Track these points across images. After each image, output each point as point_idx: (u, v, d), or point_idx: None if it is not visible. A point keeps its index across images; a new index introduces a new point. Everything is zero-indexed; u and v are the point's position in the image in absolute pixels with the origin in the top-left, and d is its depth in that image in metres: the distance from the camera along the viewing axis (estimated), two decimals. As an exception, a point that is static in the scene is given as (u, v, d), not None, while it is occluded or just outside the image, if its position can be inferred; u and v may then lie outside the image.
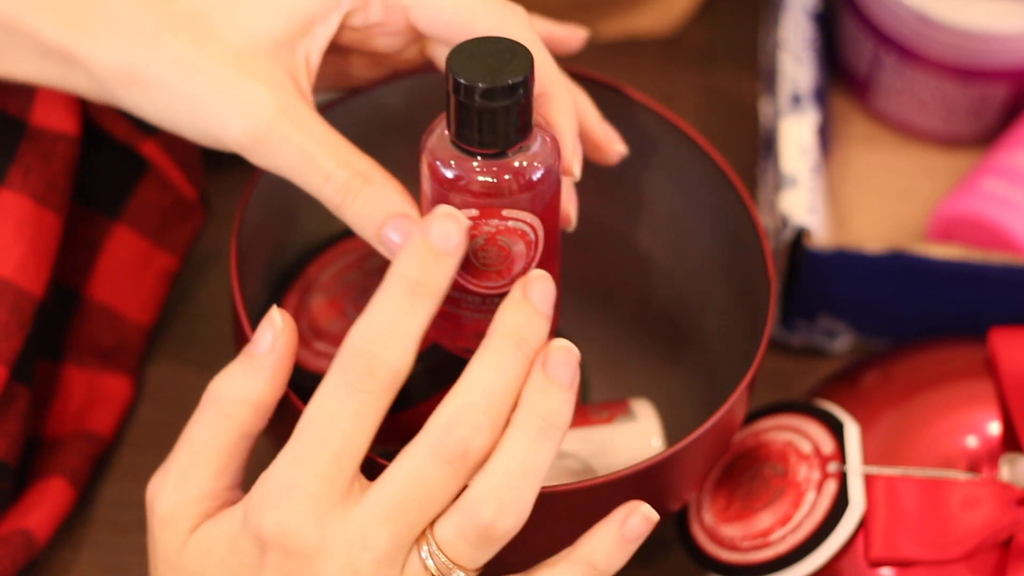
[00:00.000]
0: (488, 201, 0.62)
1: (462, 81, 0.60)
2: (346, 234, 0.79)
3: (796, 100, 0.86)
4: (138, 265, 0.81)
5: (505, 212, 0.63)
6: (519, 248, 0.64)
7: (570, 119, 0.67)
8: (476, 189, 0.62)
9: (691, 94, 0.95)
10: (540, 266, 0.65)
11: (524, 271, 0.64)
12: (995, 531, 0.70)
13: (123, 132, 0.78)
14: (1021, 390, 0.73)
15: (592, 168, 0.80)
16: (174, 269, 0.83)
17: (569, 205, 0.70)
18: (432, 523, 0.61)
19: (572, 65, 0.94)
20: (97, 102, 0.68)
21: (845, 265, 0.81)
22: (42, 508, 0.74)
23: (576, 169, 0.67)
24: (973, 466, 0.72)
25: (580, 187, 0.81)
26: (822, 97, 0.90)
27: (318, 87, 0.72)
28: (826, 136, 0.90)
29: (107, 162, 0.79)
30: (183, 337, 0.84)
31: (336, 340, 0.75)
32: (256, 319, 0.77)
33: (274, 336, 0.64)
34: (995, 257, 0.81)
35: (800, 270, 0.82)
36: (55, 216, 0.74)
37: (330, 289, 0.77)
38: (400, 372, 0.61)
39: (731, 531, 0.73)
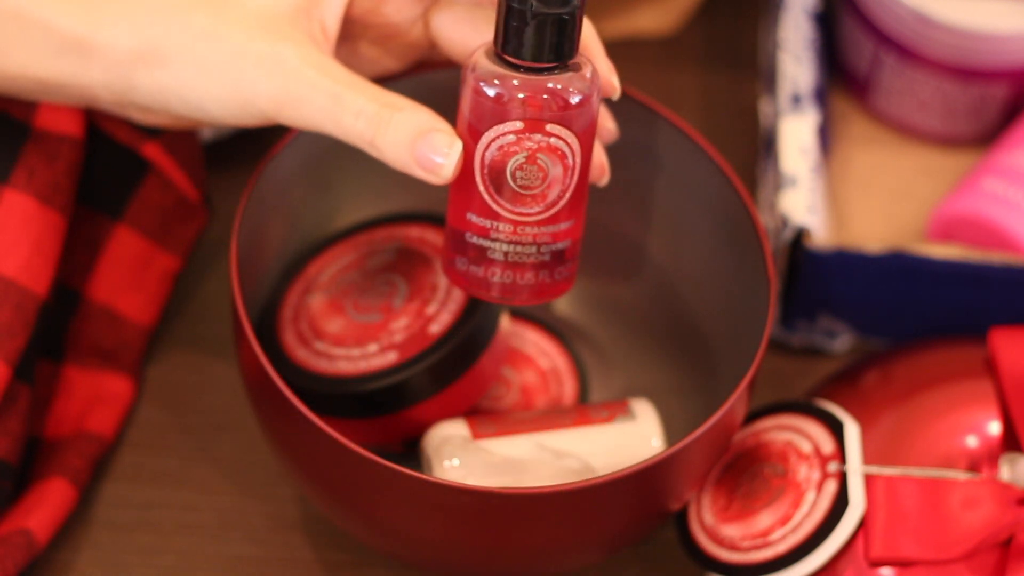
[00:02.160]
0: (533, 113, 0.63)
1: None
2: (346, 234, 0.79)
3: (796, 100, 0.86)
4: (139, 266, 0.81)
5: (549, 127, 0.64)
6: (556, 171, 0.64)
7: (598, 43, 0.69)
8: (521, 102, 0.63)
9: (691, 94, 0.95)
10: (572, 201, 0.66)
11: (557, 200, 0.65)
12: (995, 531, 0.70)
13: (125, 134, 0.78)
14: (1021, 390, 0.73)
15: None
16: (176, 270, 0.83)
17: (602, 156, 0.71)
18: None
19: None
20: (111, 99, 0.69)
21: (845, 265, 0.81)
22: (43, 508, 0.74)
23: (617, 84, 0.68)
24: (973, 466, 0.72)
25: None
26: (822, 97, 0.90)
27: None
28: (826, 136, 0.90)
29: (109, 163, 0.79)
30: (184, 338, 0.84)
31: (336, 340, 0.75)
32: (256, 319, 0.77)
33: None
34: (995, 257, 0.81)
35: (800, 270, 0.82)
36: (59, 217, 0.74)
37: (330, 289, 0.77)
38: None
39: (731, 531, 0.73)
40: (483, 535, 0.68)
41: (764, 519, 0.72)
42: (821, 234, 0.83)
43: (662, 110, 0.76)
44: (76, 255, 0.79)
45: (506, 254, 0.66)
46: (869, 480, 0.72)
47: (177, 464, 0.80)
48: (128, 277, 0.81)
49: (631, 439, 0.73)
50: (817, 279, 0.82)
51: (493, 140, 0.65)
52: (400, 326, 0.74)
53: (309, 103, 0.66)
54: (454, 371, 0.74)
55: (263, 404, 0.71)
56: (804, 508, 0.72)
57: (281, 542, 0.78)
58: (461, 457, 0.71)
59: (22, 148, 0.74)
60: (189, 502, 0.79)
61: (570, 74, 0.64)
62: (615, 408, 0.74)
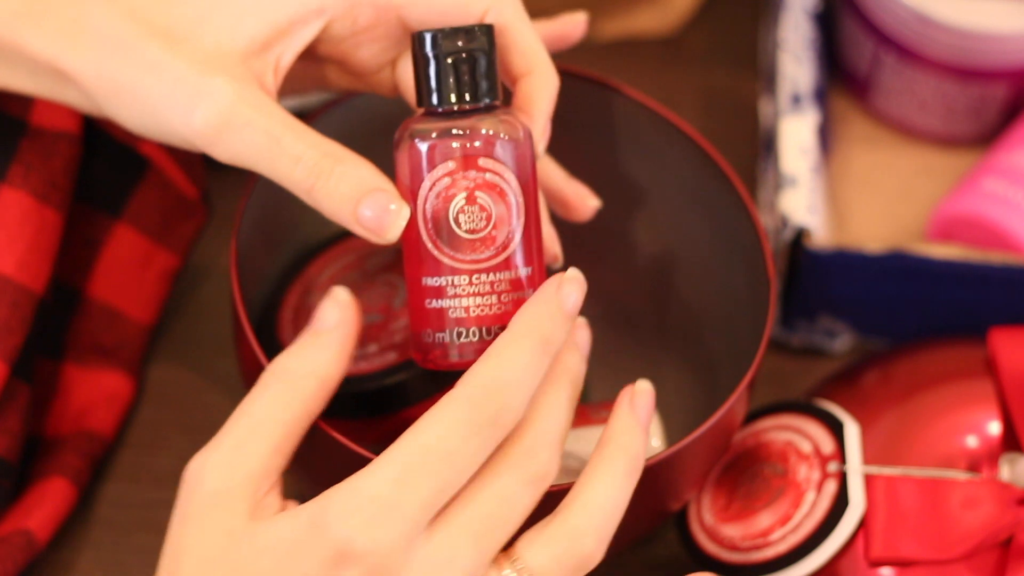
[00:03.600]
0: (464, 151, 0.63)
1: (427, 33, 0.63)
2: (346, 234, 0.79)
3: (796, 100, 0.86)
4: (139, 264, 0.81)
5: (482, 162, 0.63)
6: (500, 209, 0.63)
7: (549, 99, 0.67)
8: (450, 144, 0.63)
9: (691, 94, 0.95)
10: (525, 246, 0.64)
11: (508, 242, 0.64)
12: (995, 531, 0.70)
13: (124, 132, 0.78)
14: (1021, 390, 0.73)
15: (592, 168, 0.80)
16: (175, 268, 0.83)
17: (553, 244, 0.70)
18: (512, 545, 0.62)
19: (573, 65, 0.94)
20: (97, 115, 0.68)
21: (845, 265, 0.81)
22: (43, 508, 0.74)
23: (541, 148, 0.67)
24: (973, 466, 0.72)
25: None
26: (822, 97, 0.90)
27: (293, 90, 0.72)
28: (826, 136, 0.90)
29: (108, 161, 0.79)
30: (184, 337, 0.84)
31: None
32: (256, 319, 0.77)
33: (340, 312, 0.63)
34: (995, 257, 0.81)
35: (800, 270, 0.82)
36: (56, 214, 0.74)
37: (330, 289, 0.77)
38: (512, 428, 0.61)
39: (731, 531, 0.73)
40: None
41: (764, 519, 0.72)
42: (821, 234, 0.83)
43: (662, 110, 0.76)
44: (75, 253, 0.79)
45: (467, 308, 0.64)
46: (869, 480, 0.72)
47: (177, 464, 0.80)
48: (128, 275, 0.81)
49: None
50: (817, 279, 0.82)
51: (431, 188, 0.63)
52: (400, 326, 0.74)
53: (244, 140, 0.63)
54: (454, 372, 0.74)
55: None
56: (804, 508, 0.72)
57: (281, 542, 0.78)
58: None
59: (18, 145, 0.73)
60: (189, 502, 0.79)
61: (499, 117, 0.64)
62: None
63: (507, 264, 0.64)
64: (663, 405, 0.79)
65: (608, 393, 0.81)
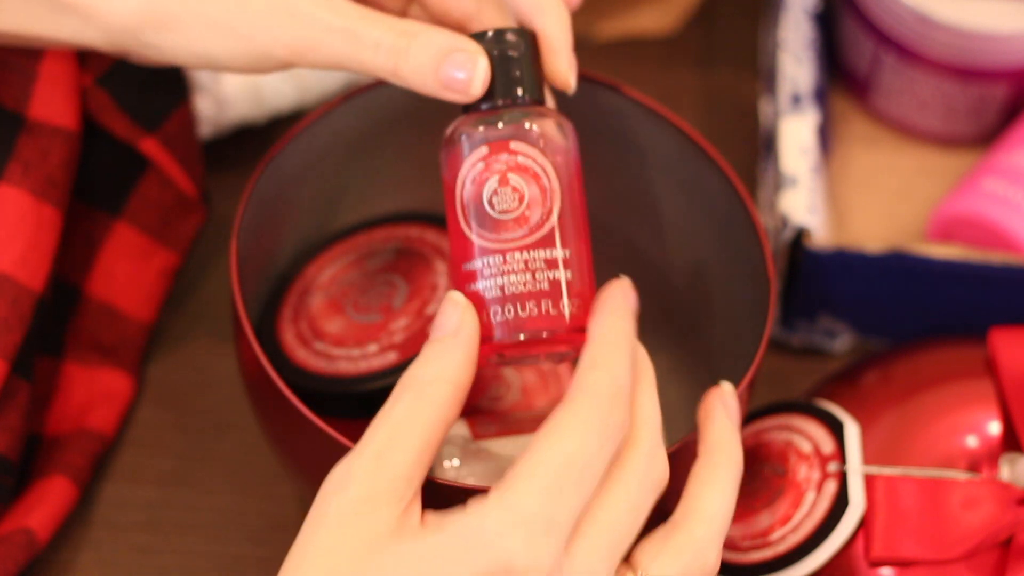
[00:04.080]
0: (495, 135, 0.64)
1: (471, 35, 0.65)
2: (345, 234, 0.79)
3: (796, 100, 0.86)
4: (139, 262, 0.81)
5: (513, 145, 0.64)
6: (533, 191, 0.64)
7: (563, 31, 0.67)
8: (484, 132, 0.64)
9: (691, 94, 0.95)
10: (561, 228, 0.64)
11: (541, 223, 0.64)
12: (995, 531, 0.70)
13: (123, 129, 0.78)
14: (1021, 390, 0.73)
15: (591, 169, 0.80)
16: (175, 266, 0.83)
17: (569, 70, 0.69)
18: (629, 556, 0.61)
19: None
20: (115, 52, 0.69)
21: (845, 265, 0.81)
22: (44, 507, 0.74)
23: (573, 80, 0.67)
24: (973, 466, 0.72)
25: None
26: (822, 97, 0.90)
27: None
28: (826, 136, 0.90)
29: (107, 159, 0.79)
30: (184, 337, 0.84)
31: (336, 340, 0.75)
32: (256, 319, 0.77)
33: (460, 314, 0.63)
34: (995, 257, 0.81)
35: (800, 270, 0.82)
36: (54, 211, 0.74)
37: (330, 289, 0.77)
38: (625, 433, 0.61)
39: (732, 531, 0.73)
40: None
41: (764, 519, 0.72)
42: (821, 234, 0.83)
43: (662, 110, 0.76)
44: (75, 251, 0.79)
45: (501, 287, 0.64)
46: (869, 480, 0.72)
47: (177, 464, 0.80)
48: (127, 273, 0.81)
49: None
50: (817, 279, 0.82)
51: (466, 176, 0.64)
52: (400, 326, 0.74)
53: (326, 45, 0.65)
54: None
55: (263, 404, 0.71)
56: (804, 508, 0.72)
57: (281, 542, 0.78)
58: (462, 457, 0.71)
59: (16, 142, 0.73)
60: (189, 502, 0.79)
61: (538, 112, 0.65)
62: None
63: (542, 243, 0.64)
64: (663, 404, 0.79)
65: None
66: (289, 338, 0.76)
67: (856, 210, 0.89)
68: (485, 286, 0.64)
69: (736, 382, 0.71)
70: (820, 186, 0.86)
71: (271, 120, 0.89)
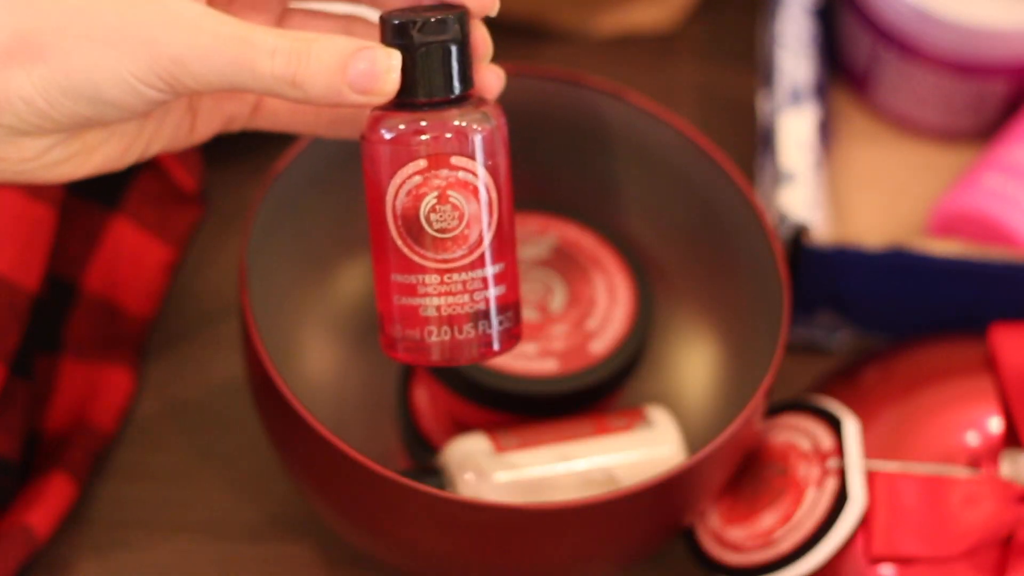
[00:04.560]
0: (435, 148, 0.61)
1: (395, 20, 0.60)
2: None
3: (795, 95, 0.86)
4: (137, 257, 0.81)
5: (454, 160, 0.61)
6: (472, 208, 0.62)
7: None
8: (420, 139, 0.61)
9: (690, 90, 0.94)
10: (497, 243, 0.63)
11: (480, 241, 0.62)
12: (996, 528, 0.70)
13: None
14: (1022, 386, 0.73)
15: (590, 169, 0.80)
16: (173, 262, 0.83)
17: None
18: None
19: (571, 65, 0.93)
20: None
21: (845, 261, 0.81)
22: (44, 504, 0.74)
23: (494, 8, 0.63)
24: (974, 462, 0.72)
25: (580, 188, 0.80)
26: (823, 92, 0.89)
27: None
28: (827, 132, 0.90)
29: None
30: (183, 335, 0.84)
31: None
32: (259, 321, 0.76)
33: None
34: (995, 253, 0.81)
35: (799, 266, 0.82)
36: (49, 209, 0.74)
37: None
38: None
39: (736, 533, 0.73)
40: (505, 551, 0.68)
41: (767, 519, 0.72)
42: (821, 230, 0.83)
43: (663, 113, 0.76)
44: (73, 246, 0.79)
45: (438, 308, 0.62)
46: (870, 477, 0.72)
47: (176, 462, 0.80)
48: (125, 268, 0.81)
49: (651, 447, 0.73)
50: (817, 275, 0.82)
51: (400, 186, 0.62)
52: (559, 333, 0.75)
53: (216, 54, 0.59)
54: (604, 392, 0.74)
55: (266, 406, 0.71)
56: (805, 506, 0.72)
57: (280, 541, 0.78)
58: (485, 471, 0.71)
59: None
60: (188, 500, 0.79)
61: (469, 108, 0.62)
62: (632, 416, 0.74)
63: (479, 263, 0.63)
64: (678, 414, 0.79)
65: (622, 401, 0.80)
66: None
67: (856, 206, 0.89)
68: (420, 304, 0.63)
69: (746, 385, 0.71)
70: (821, 182, 0.86)
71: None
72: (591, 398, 0.74)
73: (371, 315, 0.81)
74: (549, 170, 0.80)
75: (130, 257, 0.81)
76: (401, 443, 0.79)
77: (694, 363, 0.80)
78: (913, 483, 0.71)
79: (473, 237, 0.62)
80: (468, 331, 0.63)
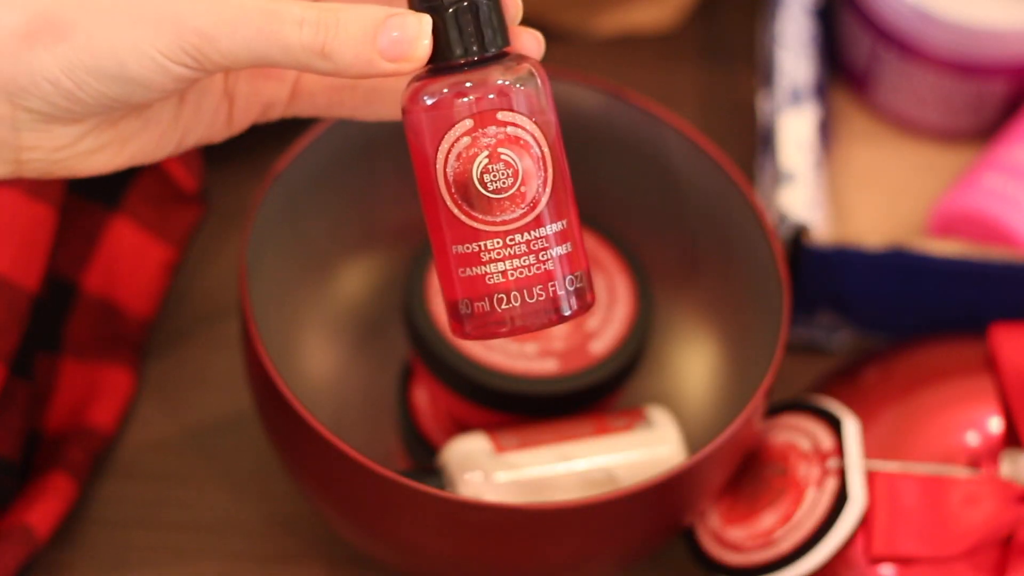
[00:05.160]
0: (480, 106, 0.59)
1: None
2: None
3: (795, 95, 0.86)
4: (137, 257, 0.81)
5: (501, 115, 0.59)
6: (527, 164, 0.60)
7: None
8: (463, 98, 0.59)
9: (690, 90, 0.94)
10: (555, 199, 0.61)
11: (538, 198, 0.60)
12: (996, 528, 0.70)
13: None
14: (1022, 386, 0.73)
15: (590, 169, 0.80)
16: (173, 261, 0.83)
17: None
18: None
19: (571, 64, 0.93)
20: None
21: (845, 261, 0.81)
22: (44, 503, 0.74)
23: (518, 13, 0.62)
24: (974, 462, 0.72)
25: (580, 188, 0.80)
26: (823, 93, 0.89)
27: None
28: (827, 132, 0.90)
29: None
30: (183, 335, 0.84)
31: None
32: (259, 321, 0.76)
33: None
34: (995, 253, 0.81)
35: (799, 266, 0.82)
36: (49, 209, 0.74)
37: None
38: None
39: (736, 533, 0.73)
40: (505, 551, 0.68)
41: (767, 519, 0.72)
42: (821, 230, 0.83)
43: (664, 114, 0.76)
44: (73, 246, 0.79)
45: (504, 272, 0.60)
46: (870, 477, 0.72)
47: (176, 462, 0.80)
48: (125, 268, 0.81)
49: (651, 447, 0.73)
50: (817, 275, 0.82)
51: (449, 151, 0.60)
52: (560, 333, 0.74)
53: (243, 26, 0.57)
54: (604, 392, 0.74)
55: (267, 406, 0.71)
56: (805, 506, 0.72)
57: (280, 540, 0.78)
58: (485, 471, 0.71)
59: None
60: (188, 500, 0.78)
61: (510, 64, 0.60)
62: (632, 416, 0.74)
63: (541, 220, 0.60)
64: (678, 414, 0.79)
65: (622, 401, 0.80)
66: (444, 312, 0.74)
67: (856, 206, 0.89)
68: (487, 272, 0.60)
69: (746, 385, 0.71)
70: (821, 182, 0.86)
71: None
72: (591, 398, 0.74)
73: (371, 315, 0.81)
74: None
75: (130, 257, 0.81)
76: (401, 443, 0.79)
77: (694, 363, 0.80)
78: (913, 483, 0.71)
79: (531, 194, 0.60)
80: (538, 294, 0.61)
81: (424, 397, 0.78)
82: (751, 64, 0.96)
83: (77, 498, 0.77)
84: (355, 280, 0.80)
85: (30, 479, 0.76)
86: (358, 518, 0.70)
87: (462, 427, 0.76)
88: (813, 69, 0.88)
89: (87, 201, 0.80)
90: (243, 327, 0.71)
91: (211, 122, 0.64)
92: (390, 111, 0.65)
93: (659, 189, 0.79)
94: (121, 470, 0.79)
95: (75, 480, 0.76)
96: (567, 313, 0.61)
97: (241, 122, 0.65)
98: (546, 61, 0.90)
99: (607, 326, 0.75)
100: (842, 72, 0.94)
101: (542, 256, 0.60)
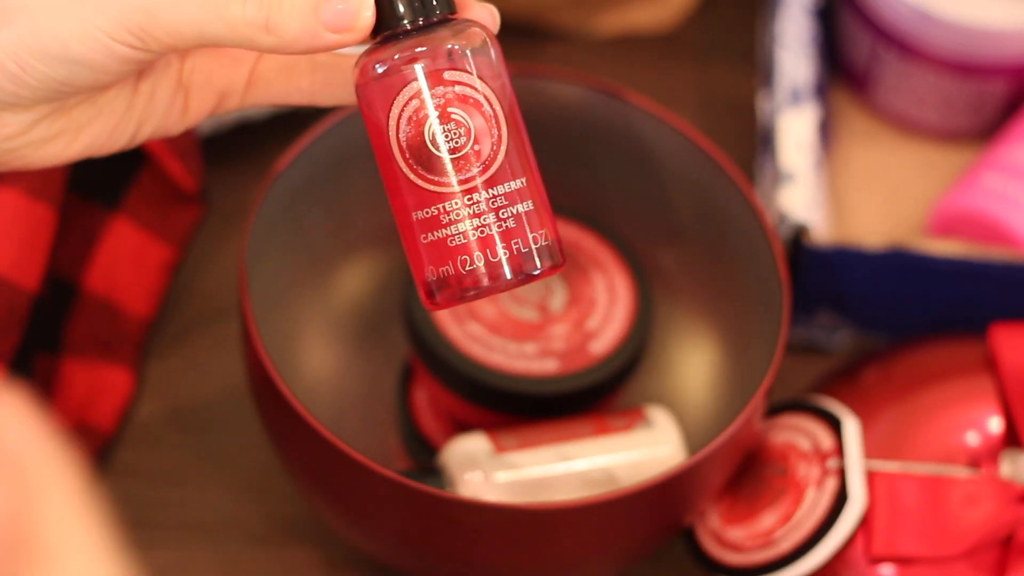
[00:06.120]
0: (426, 68, 0.59)
1: None
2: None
3: (795, 96, 0.86)
4: (137, 257, 0.81)
5: (447, 75, 0.59)
6: (478, 122, 0.59)
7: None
8: (409, 62, 0.59)
9: (690, 90, 0.94)
10: (510, 156, 0.60)
11: (494, 155, 0.60)
12: (995, 528, 0.70)
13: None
14: (1022, 386, 0.73)
15: (590, 169, 0.79)
16: (173, 261, 0.83)
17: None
18: None
19: (571, 65, 0.93)
20: None
21: (845, 261, 0.81)
22: (42, 504, 0.74)
23: (496, 15, 0.62)
24: (974, 462, 0.72)
25: (580, 188, 0.80)
26: (823, 93, 0.89)
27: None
28: (827, 132, 0.90)
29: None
30: (183, 334, 0.84)
31: (492, 327, 0.75)
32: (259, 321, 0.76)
33: None
34: (995, 253, 0.81)
35: (799, 266, 0.82)
36: (49, 209, 0.74)
37: None
38: None
39: (736, 533, 0.73)
40: (505, 551, 0.68)
41: (767, 519, 0.72)
42: (821, 230, 0.83)
43: (664, 114, 0.76)
44: (72, 246, 0.79)
45: (465, 234, 0.59)
46: (870, 477, 0.72)
47: (176, 462, 0.80)
48: (125, 268, 0.81)
49: (651, 447, 0.73)
50: (816, 275, 0.82)
51: (400, 116, 0.59)
52: (559, 333, 0.74)
53: (186, 3, 0.57)
54: (604, 392, 0.74)
55: (266, 406, 0.71)
56: (805, 505, 0.72)
57: (280, 541, 0.78)
58: (485, 471, 0.71)
59: None
60: (188, 500, 0.79)
61: (457, 28, 0.60)
62: (632, 416, 0.74)
63: (499, 177, 0.60)
64: (678, 414, 0.79)
65: (622, 401, 0.80)
66: (443, 312, 0.75)
67: (856, 206, 0.89)
68: (449, 235, 0.60)
69: (746, 385, 0.71)
70: (821, 182, 0.86)
71: (271, 115, 0.88)
72: (591, 398, 0.74)
73: (371, 315, 0.81)
74: (548, 170, 0.80)
75: (130, 257, 0.81)
76: (401, 443, 0.79)
77: (694, 363, 0.80)
78: (913, 483, 0.71)
79: (485, 152, 0.59)
80: (502, 251, 0.60)
81: (424, 397, 0.78)
82: (751, 64, 0.96)
83: (77, 498, 0.77)
84: (355, 280, 0.80)
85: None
86: (358, 518, 0.70)
87: (462, 427, 0.76)
88: (813, 69, 0.88)
89: (87, 201, 0.80)
90: (243, 327, 0.71)
91: (166, 113, 0.64)
92: (347, 95, 0.64)
93: (659, 189, 0.79)
94: (121, 470, 0.79)
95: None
96: (535, 272, 0.60)
97: (197, 113, 0.64)
98: (546, 61, 0.91)
99: (607, 326, 0.75)
100: (842, 72, 0.94)
101: (502, 214, 0.60)
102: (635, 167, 0.79)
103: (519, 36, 0.94)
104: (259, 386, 0.70)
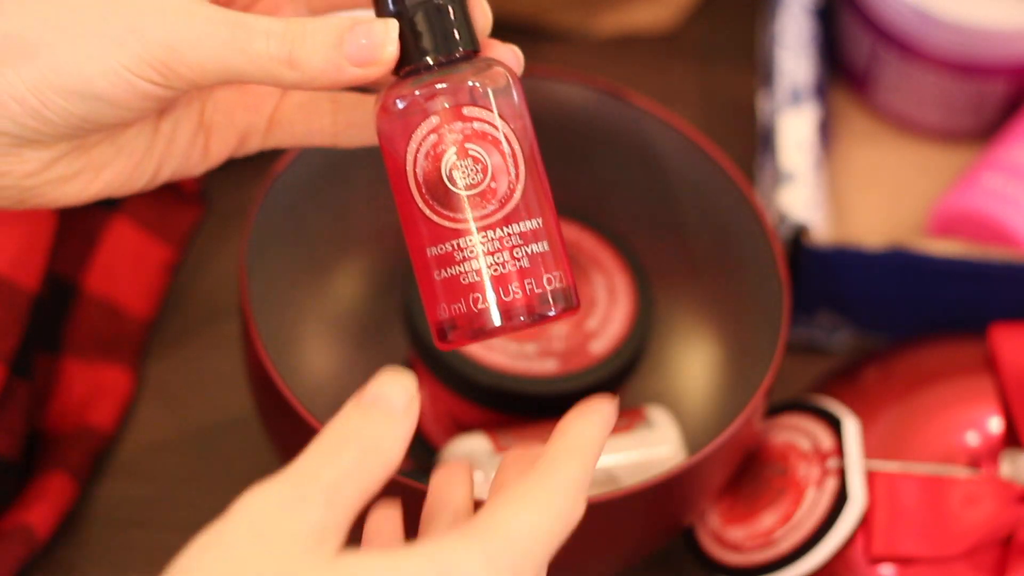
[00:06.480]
0: (445, 102, 0.59)
1: None
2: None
3: (795, 95, 0.86)
4: (137, 257, 0.81)
5: (466, 111, 0.59)
6: (496, 159, 0.59)
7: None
8: (429, 98, 0.59)
9: (690, 90, 0.94)
10: (527, 195, 0.60)
11: (510, 193, 0.59)
12: (996, 528, 0.70)
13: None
14: (1022, 386, 0.73)
15: (590, 169, 0.80)
16: (173, 261, 0.83)
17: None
18: None
19: (571, 65, 0.93)
20: None
21: (845, 261, 0.81)
22: (44, 503, 0.74)
23: (520, 57, 0.62)
24: (974, 462, 0.72)
25: (580, 188, 0.80)
26: (822, 92, 0.89)
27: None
28: (827, 132, 0.90)
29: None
30: (183, 335, 0.84)
31: None
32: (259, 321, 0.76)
33: (409, 396, 0.55)
34: (995, 253, 0.81)
35: (799, 266, 0.82)
36: (49, 209, 0.74)
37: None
38: None
39: (736, 533, 0.73)
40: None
41: (767, 519, 0.72)
42: (821, 230, 0.83)
43: (665, 114, 0.76)
44: (73, 246, 0.79)
45: (479, 271, 0.59)
46: (870, 477, 0.72)
47: (176, 462, 0.80)
48: (125, 268, 0.81)
49: (651, 447, 0.73)
50: (816, 275, 0.82)
51: (418, 150, 0.59)
52: (559, 334, 0.74)
53: (209, 38, 0.57)
54: (604, 392, 0.74)
55: (267, 405, 0.71)
56: (805, 505, 0.72)
57: (281, 540, 0.78)
58: (485, 471, 0.71)
59: None
60: (188, 500, 0.78)
61: (479, 65, 0.60)
62: (632, 416, 0.74)
63: (515, 215, 0.59)
64: (678, 414, 0.79)
65: (622, 401, 0.80)
66: None
67: (856, 206, 0.89)
68: (462, 272, 0.59)
69: (747, 385, 0.71)
70: (821, 182, 0.86)
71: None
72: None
73: (371, 315, 0.81)
74: (549, 170, 0.80)
75: (130, 257, 0.81)
76: (401, 443, 0.79)
77: (694, 363, 0.80)
78: (913, 483, 0.71)
79: (502, 190, 0.59)
80: (515, 291, 0.59)
81: (424, 397, 0.78)
82: (751, 64, 0.96)
83: (77, 498, 0.77)
84: (355, 280, 0.80)
85: (30, 479, 0.76)
86: (358, 518, 0.70)
87: (462, 427, 0.76)
88: (813, 69, 0.88)
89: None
90: (243, 327, 0.71)
91: (187, 153, 0.64)
92: (369, 135, 0.64)
93: (659, 189, 0.79)
94: (121, 470, 0.79)
95: (75, 480, 0.76)
96: (549, 314, 0.60)
97: (218, 155, 0.65)
98: (546, 61, 0.91)
99: (607, 326, 0.75)
100: (842, 72, 0.94)
101: (516, 253, 0.59)
102: (635, 167, 0.79)
103: (519, 36, 0.94)
104: (259, 386, 0.70)
